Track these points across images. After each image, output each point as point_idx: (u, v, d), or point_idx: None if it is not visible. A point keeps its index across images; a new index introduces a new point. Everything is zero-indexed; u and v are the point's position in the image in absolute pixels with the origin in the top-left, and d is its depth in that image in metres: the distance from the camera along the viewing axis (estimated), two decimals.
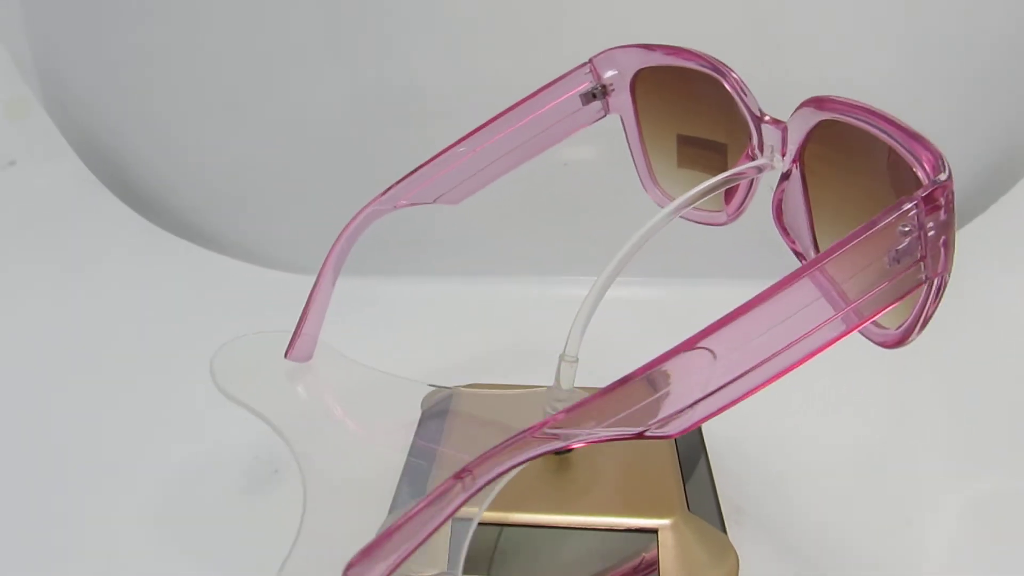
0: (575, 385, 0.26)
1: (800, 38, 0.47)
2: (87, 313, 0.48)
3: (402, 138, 0.48)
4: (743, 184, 0.27)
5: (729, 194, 0.27)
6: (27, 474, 0.35)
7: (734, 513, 0.31)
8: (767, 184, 0.26)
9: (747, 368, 0.18)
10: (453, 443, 0.30)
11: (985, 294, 0.45)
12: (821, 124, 0.23)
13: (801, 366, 0.19)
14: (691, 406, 0.19)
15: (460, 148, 0.29)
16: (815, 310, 0.18)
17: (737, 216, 0.28)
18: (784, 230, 0.26)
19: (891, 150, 0.20)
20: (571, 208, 0.51)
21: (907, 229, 0.18)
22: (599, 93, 0.29)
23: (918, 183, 0.19)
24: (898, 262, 0.18)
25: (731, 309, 0.18)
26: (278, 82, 0.50)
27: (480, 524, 0.24)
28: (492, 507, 0.23)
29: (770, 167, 0.25)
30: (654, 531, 0.26)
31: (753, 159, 0.25)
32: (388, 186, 0.29)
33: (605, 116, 0.30)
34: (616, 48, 0.29)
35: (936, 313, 0.19)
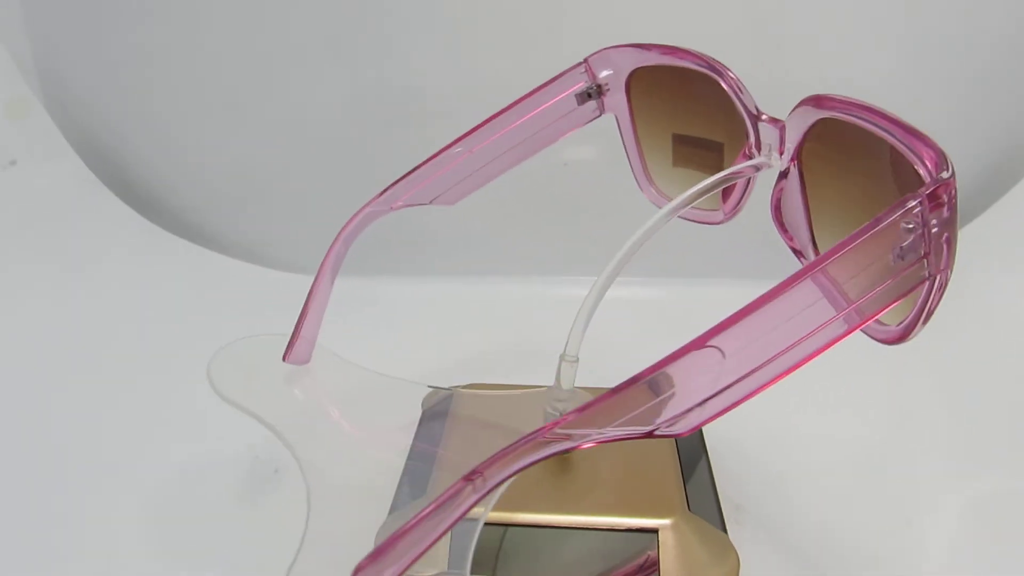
0: (575, 385, 0.26)
1: (800, 38, 0.47)
2: (87, 313, 0.48)
3: (402, 138, 0.48)
4: (740, 183, 0.27)
5: (726, 193, 0.27)
6: (27, 474, 0.35)
7: (734, 513, 0.31)
8: (765, 183, 0.26)
9: (755, 366, 0.18)
10: (453, 445, 0.30)
11: (985, 294, 0.45)
12: (820, 122, 0.23)
13: (804, 365, 0.19)
14: (700, 404, 0.19)
15: (456, 149, 0.29)
16: (820, 308, 0.18)
17: (734, 215, 0.28)
18: (783, 228, 0.26)
19: (891, 147, 0.20)
20: (571, 208, 0.51)
21: (911, 226, 0.18)
22: (594, 93, 0.29)
23: (919, 180, 0.19)
24: (902, 259, 0.18)
25: (732, 308, 0.19)
26: (278, 82, 0.50)
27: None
28: (495, 507, 0.23)
29: (767, 166, 0.25)
30: (655, 531, 0.26)
31: (750, 158, 0.25)
32: (385, 187, 0.29)
33: (600, 116, 0.30)
34: (611, 48, 0.29)
35: (936, 313, 0.19)
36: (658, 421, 0.19)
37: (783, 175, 0.25)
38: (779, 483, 0.33)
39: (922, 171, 0.19)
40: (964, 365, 0.41)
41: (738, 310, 0.18)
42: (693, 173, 0.29)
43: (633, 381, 0.19)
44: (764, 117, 0.25)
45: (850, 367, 0.33)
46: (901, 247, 0.18)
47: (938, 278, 0.19)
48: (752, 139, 0.25)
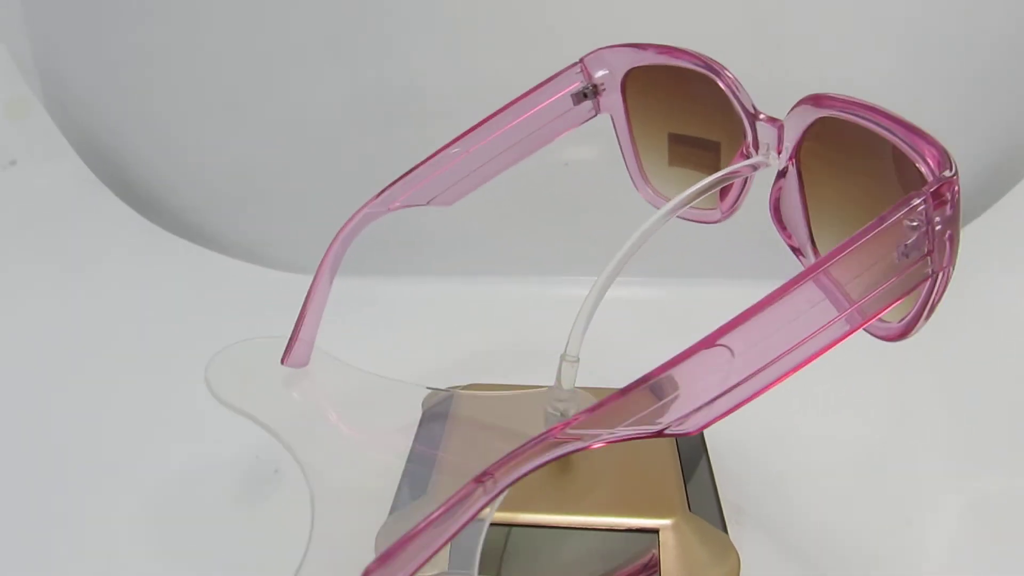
0: (576, 385, 0.26)
1: (800, 38, 0.47)
2: (87, 313, 0.48)
3: (402, 138, 0.48)
4: (737, 182, 0.27)
5: (723, 192, 0.27)
6: (27, 474, 0.35)
7: (735, 513, 0.31)
8: (764, 182, 0.26)
9: (760, 366, 0.18)
10: (453, 447, 0.30)
11: (985, 294, 0.45)
12: (819, 121, 0.23)
13: (807, 365, 0.19)
14: (709, 403, 0.19)
15: (453, 149, 0.29)
16: (824, 309, 0.19)
17: (731, 214, 0.28)
18: (782, 226, 0.26)
19: (892, 146, 0.20)
20: (571, 208, 0.51)
21: (915, 224, 0.18)
22: (590, 93, 0.29)
23: (921, 178, 0.19)
24: (906, 256, 0.18)
25: (731, 308, 0.19)
26: (278, 82, 0.50)
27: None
28: (498, 508, 0.23)
29: (765, 165, 0.25)
30: (655, 531, 0.26)
31: (748, 157, 0.25)
32: (383, 188, 0.29)
33: (596, 116, 0.30)
34: (606, 48, 0.29)
35: (937, 312, 0.19)
36: (668, 420, 0.19)
37: (781, 174, 0.25)
38: (779, 483, 0.33)
39: (924, 169, 0.19)
40: (964, 365, 0.41)
41: (746, 309, 0.18)
42: (689, 172, 0.29)
43: (643, 381, 0.19)
44: (762, 116, 0.25)
45: (851, 367, 0.33)
46: (905, 245, 0.18)
47: (941, 275, 0.19)
48: (749, 138, 0.25)
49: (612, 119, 0.30)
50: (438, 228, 0.50)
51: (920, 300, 0.19)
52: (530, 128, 0.29)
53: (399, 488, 0.29)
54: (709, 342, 0.18)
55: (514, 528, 0.26)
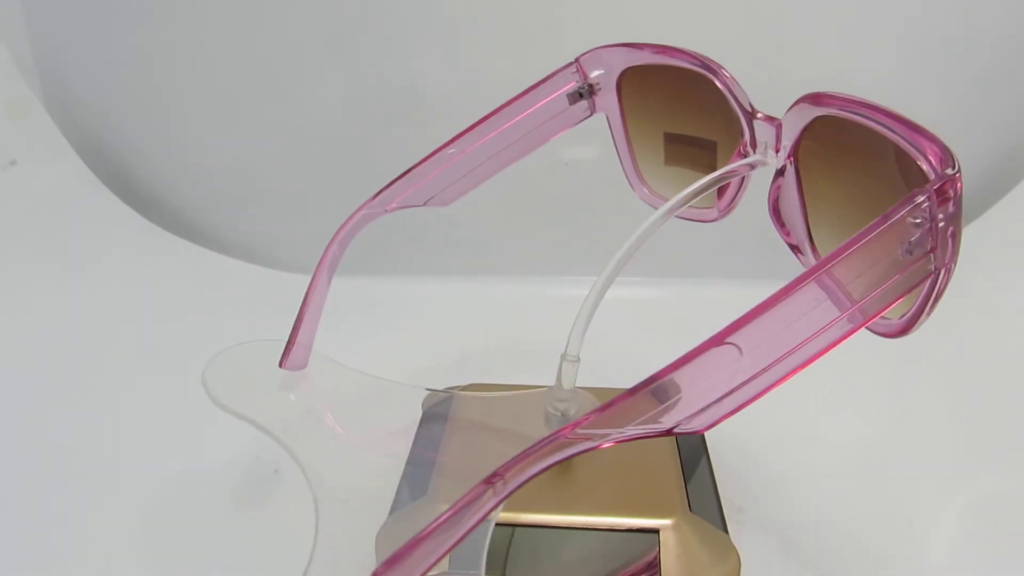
0: (576, 385, 0.26)
1: (800, 38, 0.47)
2: (87, 313, 0.48)
3: (402, 138, 0.47)
4: (734, 181, 0.27)
5: (720, 191, 0.28)
6: (27, 474, 0.35)
7: (735, 513, 0.31)
8: (762, 181, 0.26)
9: (767, 364, 0.19)
10: (453, 448, 0.29)
11: (985, 295, 0.45)
12: (818, 119, 0.23)
13: (811, 364, 0.19)
14: (717, 401, 0.19)
15: (449, 150, 0.29)
16: (827, 308, 0.19)
17: (728, 212, 0.28)
18: (780, 223, 0.26)
19: (892, 144, 0.20)
20: (571, 208, 0.51)
21: (918, 221, 0.18)
22: (585, 92, 0.29)
23: (923, 176, 0.19)
24: (910, 253, 0.18)
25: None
26: (278, 82, 0.50)
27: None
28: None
29: (763, 163, 0.25)
30: (655, 531, 0.26)
31: (745, 156, 0.25)
32: (379, 189, 0.29)
33: (591, 115, 0.30)
34: (602, 47, 0.29)
35: (937, 313, 0.19)
36: (677, 418, 0.19)
37: (779, 173, 0.25)
38: (780, 483, 0.33)
39: (925, 167, 0.19)
40: (964, 365, 0.41)
41: (754, 307, 0.18)
42: (685, 172, 0.29)
43: (653, 380, 0.19)
44: (759, 115, 0.25)
45: (851, 367, 0.33)
46: (909, 242, 0.18)
47: (943, 271, 0.19)
48: (747, 137, 0.25)
49: (607, 119, 0.30)
50: (438, 228, 0.50)
51: (922, 297, 0.19)
52: (526, 128, 0.29)
53: (399, 489, 0.29)
54: (718, 340, 0.18)
55: (519, 528, 0.26)
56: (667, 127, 0.29)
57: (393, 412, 0.33)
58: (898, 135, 0.20)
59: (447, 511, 0.19)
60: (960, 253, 0.19)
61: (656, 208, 0.25)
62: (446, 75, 0.48)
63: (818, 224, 0.25)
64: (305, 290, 0.30)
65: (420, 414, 0.33)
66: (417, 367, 0.39)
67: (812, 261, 0.25)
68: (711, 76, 0.26)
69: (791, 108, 0.24)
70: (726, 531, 0.27)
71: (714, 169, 0.26)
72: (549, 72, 0.29)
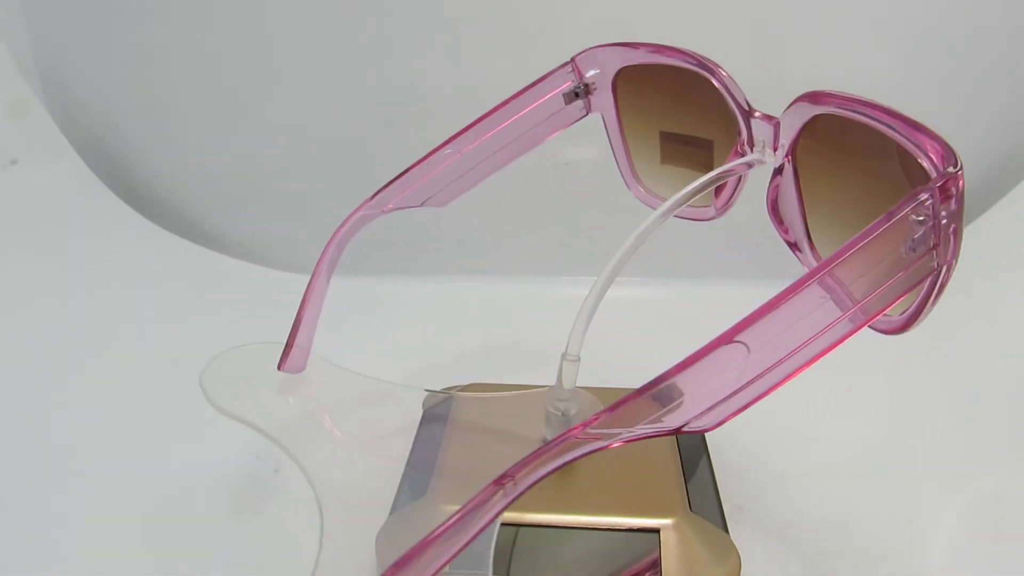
0: (576, 385, 0.26)
1: (800, 38, 0.47)
2: (87, 313, 0.48)
3: (402, 138, 0.47)
4: (731, 180, 0.27)
5: (717, 190, 0.28)
6: (27, 474, 0.35)
7: (736, 513, 0.31)
8: (759, 180, 0.26)
9: (773, 363, 0.19)
10: (453, 449, 0.29)
11: (985, 295, 0.45)
12: (817, 118, 0.23)
13: (815, 363, 0.19)
14: (726, 399, 0.19)
15: (446, 151, 0.29)
16: (829, 308, 0.19)
17: (725, 211, 0.28)
18: (779, 221, 0.26)
19: (893, 142, 0.20)
20: (571, 208, 0.51)
21: (921, 218, 0.18)
22: (581, 92, 0.29)
23: (924, 174, 0.19)
24: (913, 251, 0.19)
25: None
26: (278, 82, 0.50)
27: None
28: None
29: (761, 162, 0.25)
30: (656, 531, 0.26)
31: (742, 155, 0.25)
32: (377, 190, 0.29)
33: (587, 115, 0.30)
34: (598, 47, 0.29)
35: (937, 313, 0.19)
36: (686, 417, 0.19)
37: (778, 171, 0.25)
38: (780, 483, 0.33)
39: (927, 164, 0.19)
40: (965, 365, 0.41)
41: (761, 306, 0.18)
42: (682, 171, 0.29)
43: (662, 379, 0.19)
44: (757, 113, 0.25)
45: (851, 367, 0.33)
46: (912, 239, 0.18)
47: (945, 269, 0.19)
48: (744, 136, 0.25)
49: (603, 118, 0.30)
50: (438, 228, 0.50)
51: (923, 294, 0.19)
52: (522, 128, 0.29)
53: (399, 490, 0.29)
54: (727, 338, 0.18)
55: (523, 528, 0.26)
56: (663, 126, 0.29)
57: (392, 413, 0.33)
58: (899, 133, 0.20)
59: (456, 513, 0.19)
60: (961, 251, 0.19)
61: (652, 207, 0.25)
62: (446, 75, 0.48)
63: (817, 222, 0.25)
64: (304, 291, 0.30)
65: (420, 415, 0.33)
66: (417, 367, 0.39)
67: (811, 259, 0.25)
68: (707, 75, 0.26)
69: (789, 106, 0.24)
70: (726, 531, 0.27)
71: (710, 168, 0.25)
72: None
